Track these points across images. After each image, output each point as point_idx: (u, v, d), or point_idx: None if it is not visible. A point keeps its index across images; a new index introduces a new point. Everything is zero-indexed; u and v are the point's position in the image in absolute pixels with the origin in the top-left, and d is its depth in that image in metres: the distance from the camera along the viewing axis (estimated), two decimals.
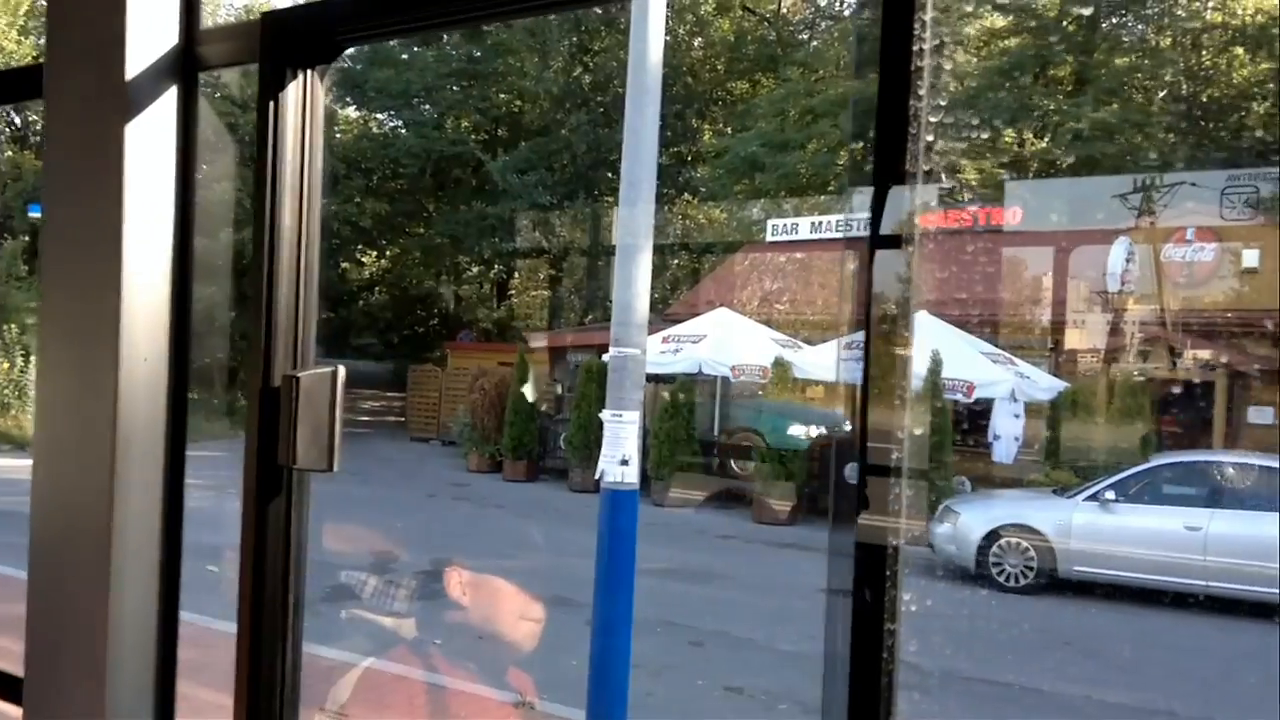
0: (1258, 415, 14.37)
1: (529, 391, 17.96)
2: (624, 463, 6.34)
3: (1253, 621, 9.94)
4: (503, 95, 29.86)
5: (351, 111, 32.77)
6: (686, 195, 25.15)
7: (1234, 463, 11.66)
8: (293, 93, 1.46)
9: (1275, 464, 11.36)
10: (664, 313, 21.84)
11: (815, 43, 27.37)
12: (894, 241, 1.08)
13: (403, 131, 29.71)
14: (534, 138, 27.44)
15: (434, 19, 1.47)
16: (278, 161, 1.43)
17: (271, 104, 1.44)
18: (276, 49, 1.45)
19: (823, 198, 22.82)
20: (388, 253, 34.89)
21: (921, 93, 1.02)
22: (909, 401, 1.06)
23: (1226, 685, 8.33)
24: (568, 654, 5.48)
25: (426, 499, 16.03)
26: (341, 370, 1.44)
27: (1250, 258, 14.44)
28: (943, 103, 1.09)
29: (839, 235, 20.37)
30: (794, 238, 20.95)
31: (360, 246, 33.25)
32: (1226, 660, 9.12)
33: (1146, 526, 10.72)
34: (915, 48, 1.02)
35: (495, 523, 14.43)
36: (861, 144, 1.10)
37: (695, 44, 25.41)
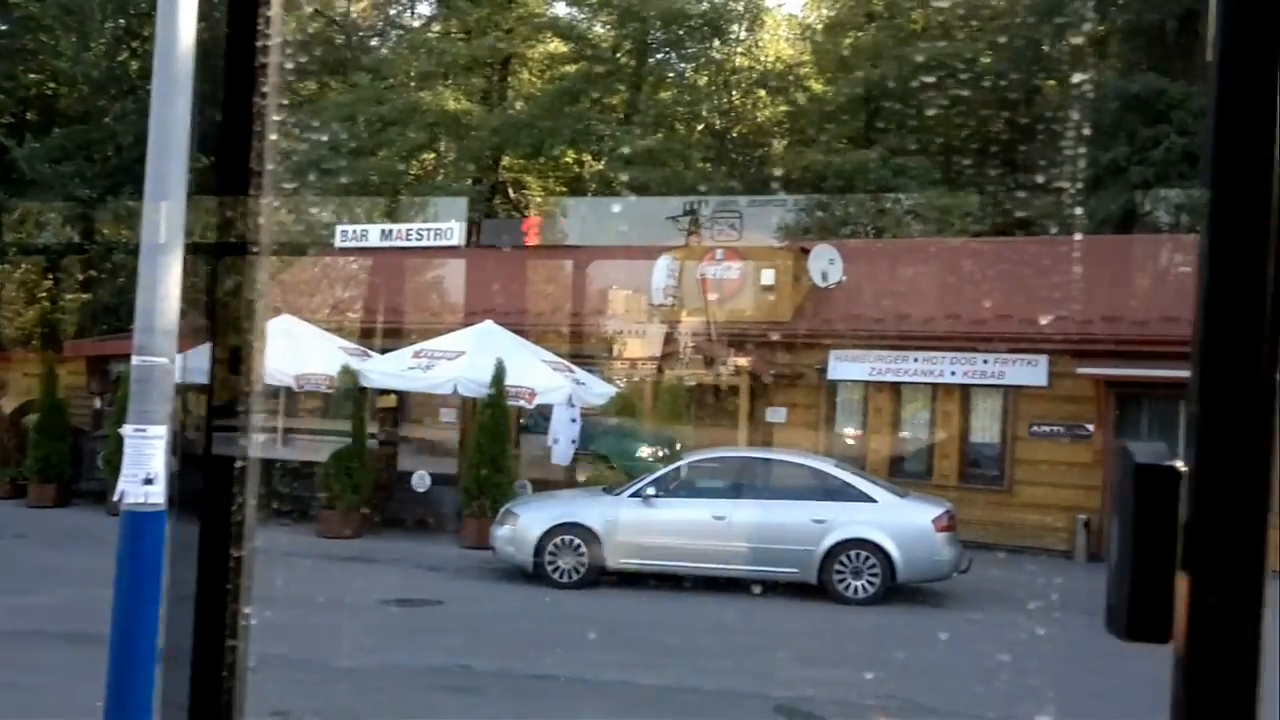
0: (774, 415, 16.33)
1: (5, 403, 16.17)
2: (148, 482, 5.90)
3: (770, 599, 11.23)
4: (32, 75, 26.54)
5: None
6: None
7: (753, 457, 13.12)
8: None
9: (787, 457, 12.94)
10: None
11: (385, 50, 27.11)
12: (240, 248, 1.09)
13: None
14: (71, 124, 24.69)
15: None
16: None
17: None
18: None
19: (394, 204, 22.65)
20: None
21: (265, 90, 1.03)
22: (256, 403, 1.08)
23: (748, 658, 9.28)
24: (93, 694, 4.97)
25: None
26: None
27: (768, 276, 16.38)
28: (286, 101, 1.11)
29: (412, 244, 20.34)
30: (364, 244, 20.63)
31: None
32: (748, 634, 10.19)
33: (681, 518, 11.72)
34: (259, 44, 1.04)
35: (12, 555, 12.74)
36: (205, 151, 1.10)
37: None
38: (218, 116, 1.05)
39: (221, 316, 1.06)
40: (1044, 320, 14.37)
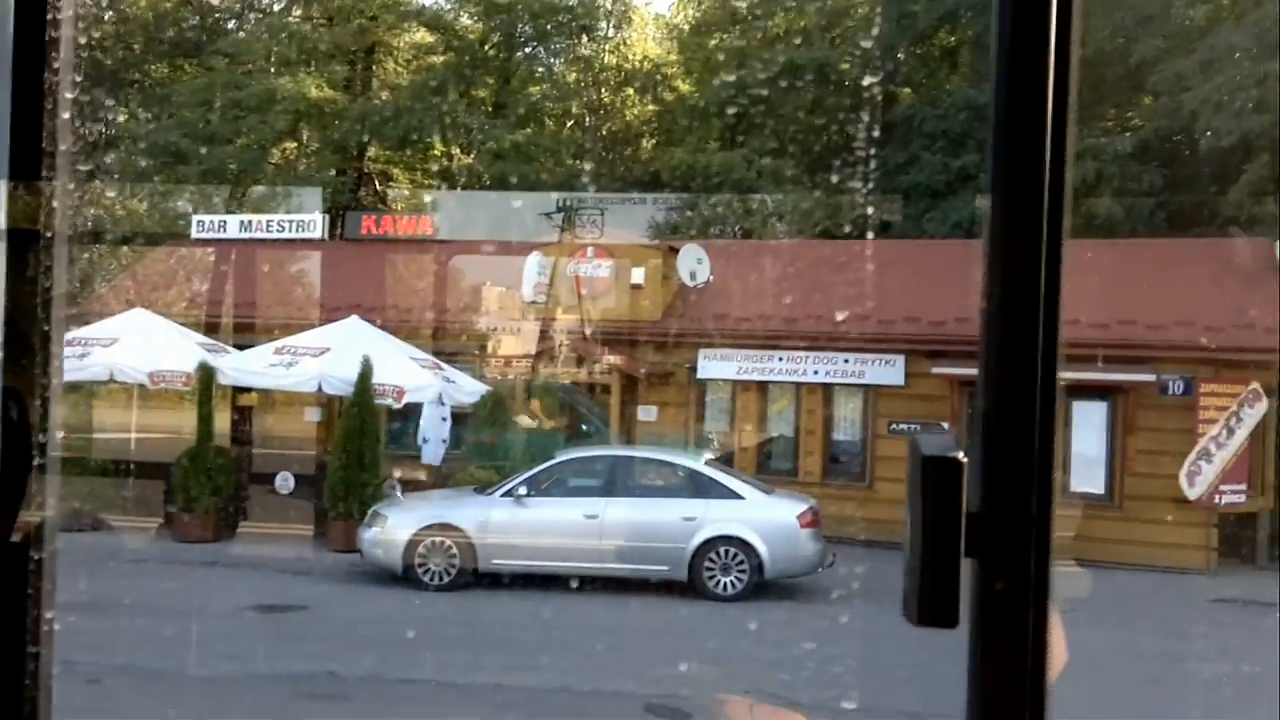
0: (645, 414, 16.46)
1: None
2: None
3: (638, 596, 11.31)
4: None
5: None
6: (98, 181, 22.73)
7: (624, 456, 13.19)
8: None
9: (657, 456, 13.05)
10: (69, 313, 19.54)
11: (243, 34, 26.18)
12: (31, 235, 1.03)
13: None
14: None
15: None
16: None
17: None
18: None
19: (243, 195, 21.95)
20: None
21: (57, 65, 0.99)
22: (54, 399, 1.03)
23: (619, 657, 9.34)
24: None
25: None
26: None
27: (638, 275, 16.51)
28: (79, 78, 1.07)
29: (273, 236, 19.72)
30: (222, 235, 19.84)
31: None
32: (620, 633, 10.25)
33: (553, 518, 11.68)
34: (49, 16, 1.00)
35: None
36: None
37: (106, 18, 23.06)
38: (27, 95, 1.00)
39: (14, 308, 1.01)
40: (840, 316, 14.95)
